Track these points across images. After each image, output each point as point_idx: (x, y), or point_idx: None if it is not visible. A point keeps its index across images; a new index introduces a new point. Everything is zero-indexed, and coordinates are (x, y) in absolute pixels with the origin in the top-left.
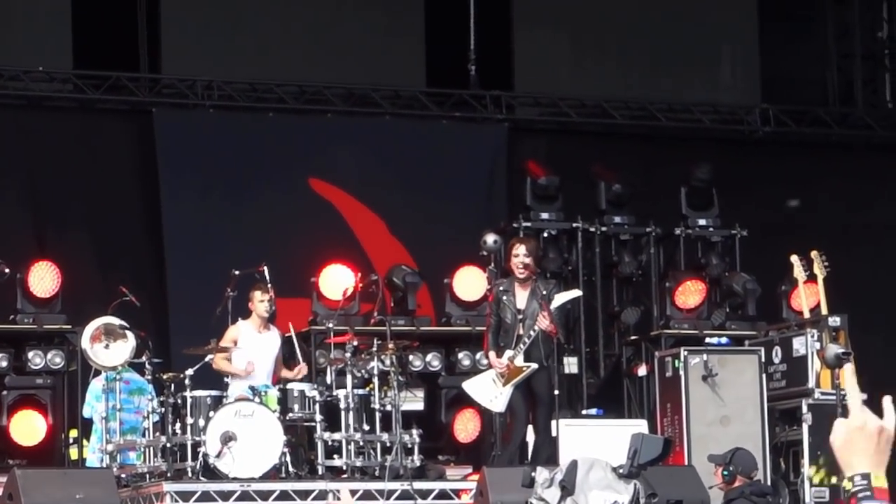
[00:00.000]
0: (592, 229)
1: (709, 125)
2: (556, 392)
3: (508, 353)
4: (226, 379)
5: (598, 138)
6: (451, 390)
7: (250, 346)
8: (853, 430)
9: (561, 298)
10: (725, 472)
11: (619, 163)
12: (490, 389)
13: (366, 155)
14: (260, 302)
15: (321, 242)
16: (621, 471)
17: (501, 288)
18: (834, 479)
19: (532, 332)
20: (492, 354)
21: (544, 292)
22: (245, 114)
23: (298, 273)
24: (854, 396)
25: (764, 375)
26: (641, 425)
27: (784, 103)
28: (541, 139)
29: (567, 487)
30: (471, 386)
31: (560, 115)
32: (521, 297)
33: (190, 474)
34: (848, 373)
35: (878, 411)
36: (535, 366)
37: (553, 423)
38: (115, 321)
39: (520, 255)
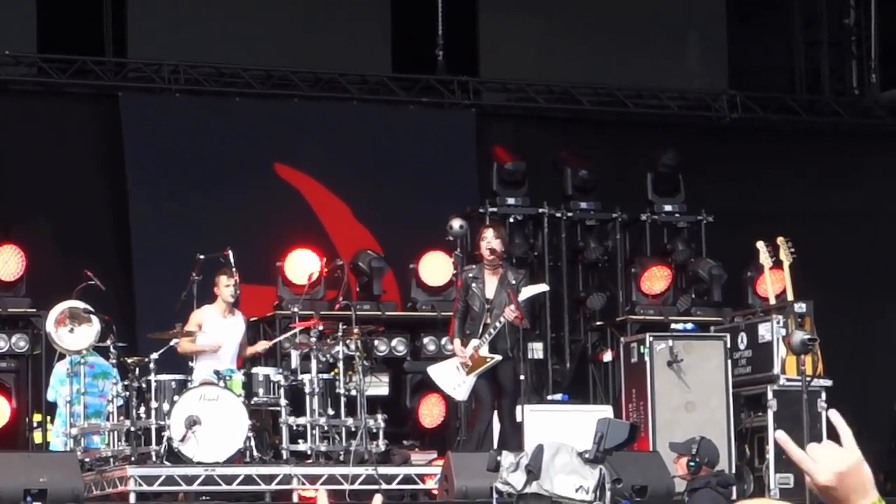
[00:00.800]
0: (558, 215)
1: (676, 111)
2: (522, 377)
3: (474, 342)
4: (190, 363)
5: (565, 124)
6: (416, 375)
7: (215, 331)
8: (840, 475)
9: (528, 292)
10: (692, 464)
11: (585, 149)
12: (453, 377)
13: (332, 140)
14: (225, 287)
15: (286, 228)
16: (587, 455)
17: (471, 275)
18: None
19: (498, 324)
20: (456, 342)
21: (513, 282)
22: (211, 98)
23: (263, 258)
24: (845, 434)
25: (729, 361)
26: (607, 411)
27: (751, 90)
28: (508, 124)
29: (533, 472)
30: (435, 371)
31: (527, 100)
32: (490, 285)
33: (154, 458)
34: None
35: (843, 400)
36: (499, 357)
37: (518, 409)
38: (80, 305)
39: (488, 238)
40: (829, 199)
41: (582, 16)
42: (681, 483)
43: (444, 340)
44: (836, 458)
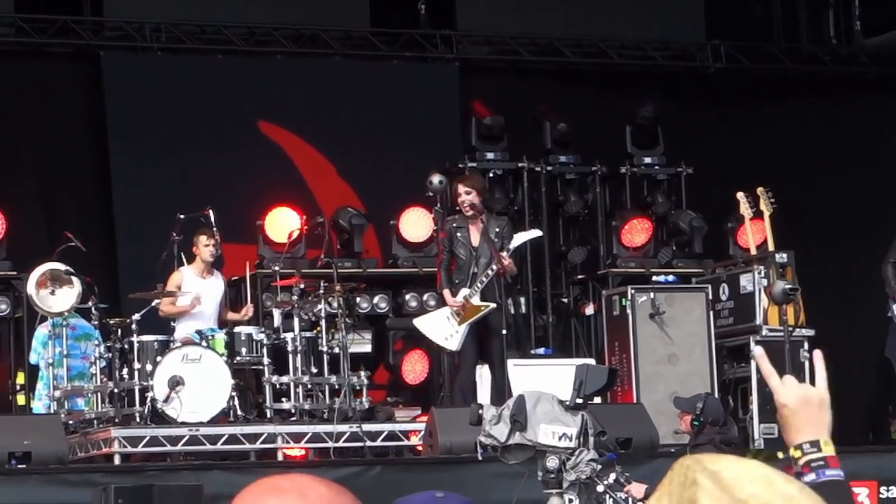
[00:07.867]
0: (538, 169)
1: (661, 62)
2: (504, 332)
3: (464, 291)
4: (172, 323)
5: (548, 77)
6: (398, 332)
7: (194, 291)
8: (802, 401)
9: (520, 238)
10: (696, 423)
11: (568, 102)
12: (445, 327)
13: (316, 97)
14: (205, 246)
15: (269, 186)
16: (568, 403)
17: (455, 224)
18: (780, 455)
19: (490, 272)
20: (446, 293)
21: (497, 230)
22: (194, 56)
23: (247, 217)
24: (820, 375)
25: (711, 313)
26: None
27: (729, 40)
28: (491, 78)
29: (520, 422)
30: (423, 323)
31: (510, 52)
32: (475, 234)
33: (138, 419)
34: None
35: (826, 349)
36: (493, 305)
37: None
38: (61, 267)
39: (461, 193)
40: (810, 148)
41: None
42: (666, 435)
43: (426, 296)
44: (804, 389)
